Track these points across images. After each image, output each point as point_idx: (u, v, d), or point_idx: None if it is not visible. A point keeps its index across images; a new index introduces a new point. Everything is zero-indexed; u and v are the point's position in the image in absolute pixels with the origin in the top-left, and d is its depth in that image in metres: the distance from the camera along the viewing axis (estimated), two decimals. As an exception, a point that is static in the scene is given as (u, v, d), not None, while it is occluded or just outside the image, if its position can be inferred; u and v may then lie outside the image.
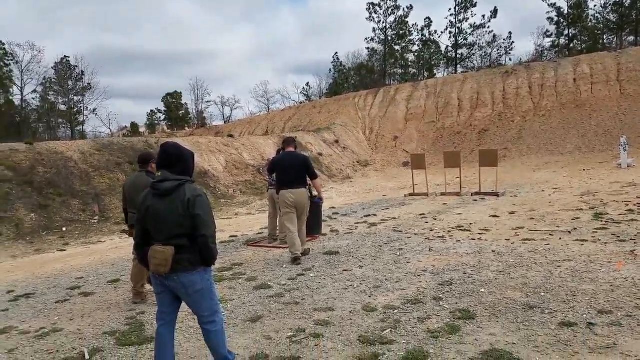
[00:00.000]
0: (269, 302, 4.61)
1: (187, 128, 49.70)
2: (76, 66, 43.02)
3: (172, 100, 54.84)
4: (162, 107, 56.32)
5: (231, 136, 22.00)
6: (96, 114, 45.54)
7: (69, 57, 43.15)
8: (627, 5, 36.78)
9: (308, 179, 6.36)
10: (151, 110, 58.06)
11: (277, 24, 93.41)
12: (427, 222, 8.69)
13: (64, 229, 10.05)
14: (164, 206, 2.79)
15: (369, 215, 10.08)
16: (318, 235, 7.94)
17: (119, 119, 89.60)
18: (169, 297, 2.94)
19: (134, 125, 54.59)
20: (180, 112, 55.53)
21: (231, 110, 56.03)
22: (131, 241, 4.68)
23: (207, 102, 63.74)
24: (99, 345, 3.81)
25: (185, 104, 55.92)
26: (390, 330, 3.70)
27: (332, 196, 15.49)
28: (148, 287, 4.86)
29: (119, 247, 8.62)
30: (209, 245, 2.79)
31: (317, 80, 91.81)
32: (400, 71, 45.60)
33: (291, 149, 6.50)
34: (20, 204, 10.12)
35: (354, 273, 5.46)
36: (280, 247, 7.21)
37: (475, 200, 11.28)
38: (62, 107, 43.57)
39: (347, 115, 28.26)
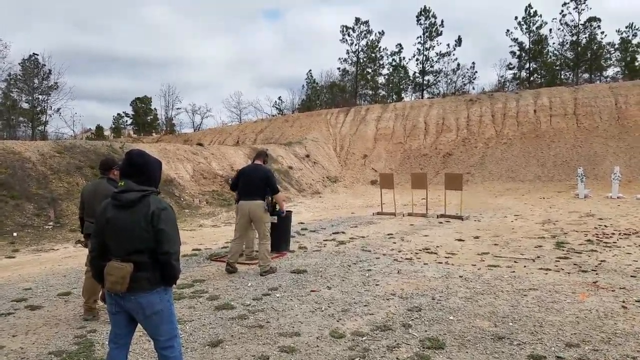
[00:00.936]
0: (231, 324, 4.38)
1: (154, 134, 48.49)
2: (44, 64, 41.28)
3: (141, 105, 53.55)
4: (130, 111, 54.92)
5: (200, 144, 21.54)
6: (60, 115, 43.62)
7: (37, 54, 41.37)
8: (582, 44, 39.09)
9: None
10: (118, 114, 56.43)
11: (255, 36, 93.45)
12: (394, 243, 8.67)
13: (15, 234, 9.40)
14: (126, 219, 2.56)
15: (338, 233, 9.99)
16: (286, 252, 7.75)
17: (83, 121, 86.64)
18: (124, 319, 2.70)
19: (99, 128, 52.80)
20: (149, 118, 54.22)
21: (202, 119, 54.97)
22: (86, 251, 4.39)
23: (178, 108, 62.52)
24: (42, 368, 3.48)
25: (155, 109, 54.74)
26: (359, 360, 3.57)
27: (300, 211, 15.32)
28: (101, 303, 4.54)
29: (72, 256, 8.11)
30: (172, 263, 2.58)
31: (290, 95, 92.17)
32: (370, 92, 46.46)
33: (258, 162, 6.61)
34: (-32, 205, 9.42)
35: (322, 294, 5.31)
36: (246, 263, 6.97)
37: (441, 223, 11.40)
38: (25, 105, 41.56)
39: (319, 130, 28.35)
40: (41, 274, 6.68)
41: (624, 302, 4.85)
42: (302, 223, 11.78)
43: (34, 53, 41.23)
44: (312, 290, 5.45)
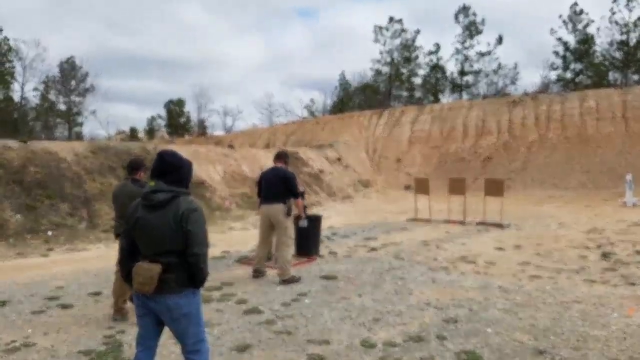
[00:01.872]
0: (259, 329, 4.29)
1: (187, 136, 49.58)
2: (81, 67, 43.07)
3: (174, 107, 54.89)
4: (163, 114, 56.46)
5: (231, 147, 21.77)
6: (95, 116, 45.41)
7: (74, 57, 43.25)
8: (632, 44, 37.17)
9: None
10: (152, 116, 58.06)
11: (288, 36, 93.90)
12: (429, 251, 8.38)
13: (50, 233, 9.70)
14: (155, 219, 2.55)
15: (369, 239, 9.78)
16: (315, 256, 7.64)
17: (118, 123, 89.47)
18: (152, 321, 2.68)
19: (133, 130, 54.40)
20: (182, 120, 55.54)
21: (233, 121, 55.98)
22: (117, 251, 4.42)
23: (210, 111, 63.86)
24: (71, 367, 3.49)
25: (188, 111, 56.06)
26: (391, 372, 3.40)
27: (331, 215, 15.16)
28: (130, 304, 4.54)
29: (105, 256, 8.27)
30: (200, 265, 2.55)
31: (322, 97, 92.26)
32: (405, 94, 45.73)
33: (279, 164, 6.35)
34: (7, 204, 9.78)
35: (353, 302, 5.15)
36: (275, 268, 6.88)
37: (479, 231, 10.99)
38: (62, 107, 43.46)
39: (351, 133, 28.14)
40: (73, 273, 6.82)
41: (678, 319, 4.46)
42: (331, 227, 11.64)
43: (71, 55, 43.20)
44: (342, 297, 5.31)
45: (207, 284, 5.74)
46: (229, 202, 14.52)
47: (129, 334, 4.10)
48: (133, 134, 52.82)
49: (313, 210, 15.42)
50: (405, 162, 24.81)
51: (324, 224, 12.09)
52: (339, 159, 23.89)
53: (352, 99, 48.51)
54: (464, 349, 3.83)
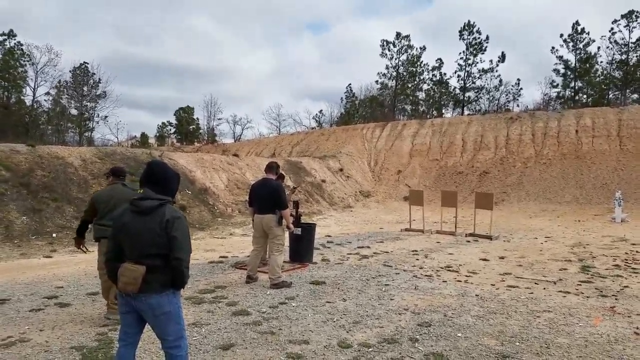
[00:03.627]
0: (244, 329, 4.61)
1: (196, 143, 50.11)
2: (94, 73, 43.81)
3: (184, 115, 55.57)
4: (173, 121, 57.15)
5: (236, 155, 22.23)
6: (106, 122, 46.06)
7: (87, 63, 44.00)
8: (631, 63, 37.57)
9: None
10: (162, 123, 58.90)
11: (298, 48, 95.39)
12: (417, 260, 8.71)
13: (54, 234, 10.05)
14: (141, 224, 2.77)
15: (363, 247, 10.11)
16: (308, 263, 7.96)
17: (129, 128, 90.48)
18: (134, 318, 2.89)
19: (144, 136, 55.21)
20: (191, 127, 56.15)
21: (242, 130, 56.47)
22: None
23: (219, 119, 64.56)
24: (62, 360, 3.75)
25: (197, 119, 56.74)
26: (361, 369, 3.72)
27: (329, 224, 15.52)
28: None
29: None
30: (181, 269, 2.77)
31: (329, 108, 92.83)
32: (410, 107, 46.31)
33: (269, 176, 6.59)
34: (13, 206, 10.15)
35: (336, 306, 5.47)
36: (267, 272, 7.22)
37: (469, 242, 11.30)
38: (74, 112, 44.15)
39: (354, 145, 28.55)
40: (74, 274, 7.16)
41: (637, 328, 4.75)
42: (329, 236, 11.97)
43: (84, 62, 43.89)
44: (327, 302, 5.62)
45: (201, 286, 6.19)
46: (231, 210, 14.89)
47: (124, 330, 4.43)
48: (144, 139, 53.47)
49: (314, 219, 15.77)
50: (406, 174, 25.17)
51: (322, 232, 12.48)
52: (341, 170, 24.27)
53: (358, 111, 49.03)
54: (433, 351, 4.12)
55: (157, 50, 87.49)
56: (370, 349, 4.15)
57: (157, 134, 57.79)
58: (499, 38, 70.89)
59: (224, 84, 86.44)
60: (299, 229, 7.43)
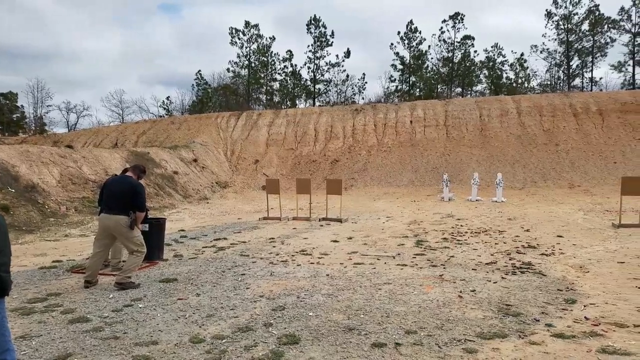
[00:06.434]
0: (83, 337, 4.16)
1: (21, 134, 43.23)
2: None
3: (6, 102, 47.41)
4: (-9, 108, 48.28)
5: (70, 147, 19.77)
6: None
7: None
8: (456, 61, 43.66)
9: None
10: (-23, 111, 49.23)
11: (150, 31, 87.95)
12: (274, 247, 8.87)
13: None
14: None
15: (219, 239, 9.90)
16: (158, 261, 7.50)
17: None
18: None
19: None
20: (15, 116, 48.20)
21: (77, 118, 50.26)
22: None
23: (48, 106, 56.31)
24: None
25: (22, 106, 48.90)
26: (213, 362, 3.65)
27: (183, 217, 14.85)
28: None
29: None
30: (1, 275, 2.49)
31: (180, 95, 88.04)
32: (265, 97, 46.69)
33: (128, 174, 6.15)
34: None
35: (189, 302, 5.27)
36: (112, 274, 6.61)
37: (322, 226, 11.92)
38: None
39: (209, 134, 27.71)
40: None
41: (461, 292, 5.57)
42: (182, 230, 11.45)
43: None
44: (179, 299, 5.38)
45: (29, 295, 5.41)
46: (65, 208, 13.21)
47: None
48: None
49: (165, 213, 14.90)
50: (263, 163, 25.40)
51: (175, 227, 11.87)
52: (195, 160, 23.36)
53: (212, 99, 47.63)
54: (286, 333, 4.25)
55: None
56: (224, 340, 4.09)
57: (-31, 124, 48.35)
58: (350, 33, 75.50)
59: (61, 67, 75.99)
60: (146, 225, 6.93)
